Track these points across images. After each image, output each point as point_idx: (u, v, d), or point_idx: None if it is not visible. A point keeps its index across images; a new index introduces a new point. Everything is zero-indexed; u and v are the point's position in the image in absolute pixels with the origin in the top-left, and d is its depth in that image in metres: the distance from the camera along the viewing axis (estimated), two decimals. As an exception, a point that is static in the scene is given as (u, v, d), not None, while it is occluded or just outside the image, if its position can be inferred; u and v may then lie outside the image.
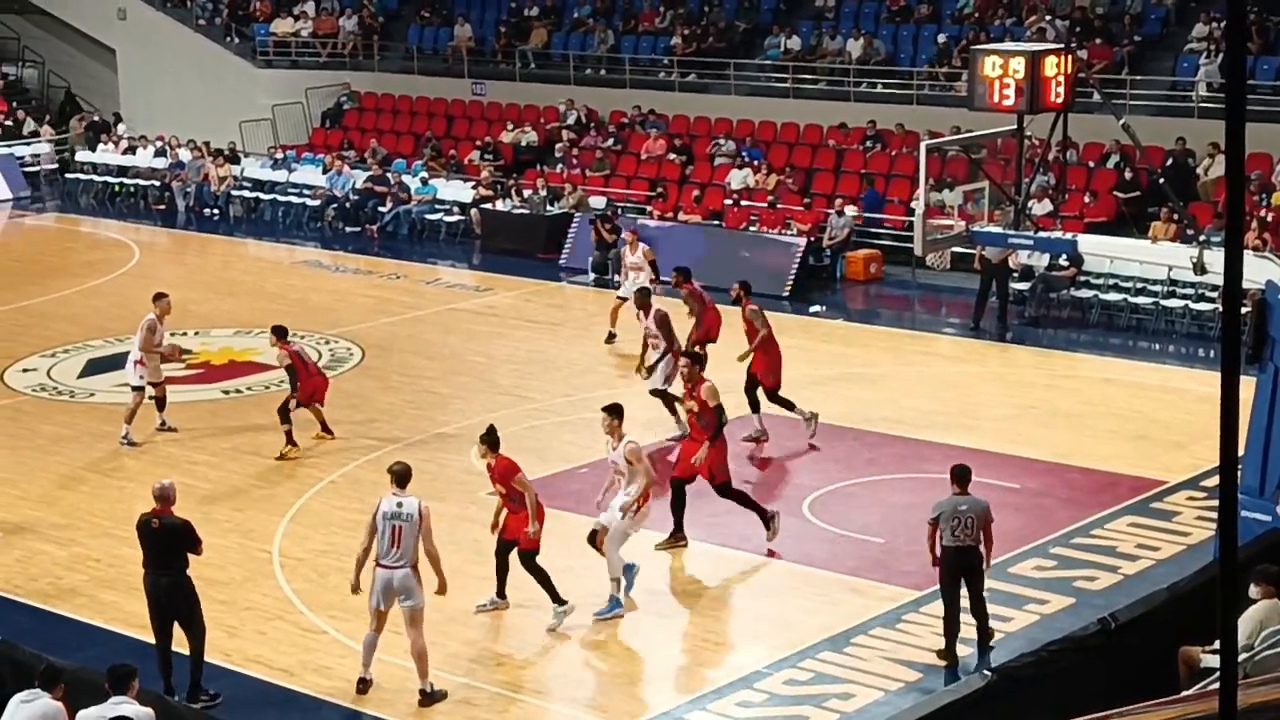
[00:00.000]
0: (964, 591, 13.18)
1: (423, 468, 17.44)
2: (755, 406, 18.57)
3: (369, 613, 12.74)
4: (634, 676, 13.36)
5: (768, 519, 15.58)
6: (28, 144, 37.25)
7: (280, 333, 18.41)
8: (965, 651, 13.18)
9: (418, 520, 12.52)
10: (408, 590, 12.55)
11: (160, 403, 19.11)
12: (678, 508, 15.59)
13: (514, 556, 13.95)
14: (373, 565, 12.70)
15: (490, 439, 13.84)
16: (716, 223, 27.77)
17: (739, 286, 18.98)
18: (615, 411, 14.39)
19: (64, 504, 17.16)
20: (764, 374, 18.52)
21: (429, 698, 12.65)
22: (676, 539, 15.65)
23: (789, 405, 18.57)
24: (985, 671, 11.82)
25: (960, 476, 13.24)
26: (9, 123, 37.96)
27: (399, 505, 12.62)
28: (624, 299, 22.23)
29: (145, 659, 12.07)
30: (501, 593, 14.22)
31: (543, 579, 13.79)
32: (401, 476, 12.83)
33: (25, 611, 14.56)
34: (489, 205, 30.03)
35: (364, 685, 12.82)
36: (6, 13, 41.77)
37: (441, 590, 12.91)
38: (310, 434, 18.61)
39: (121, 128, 36.86)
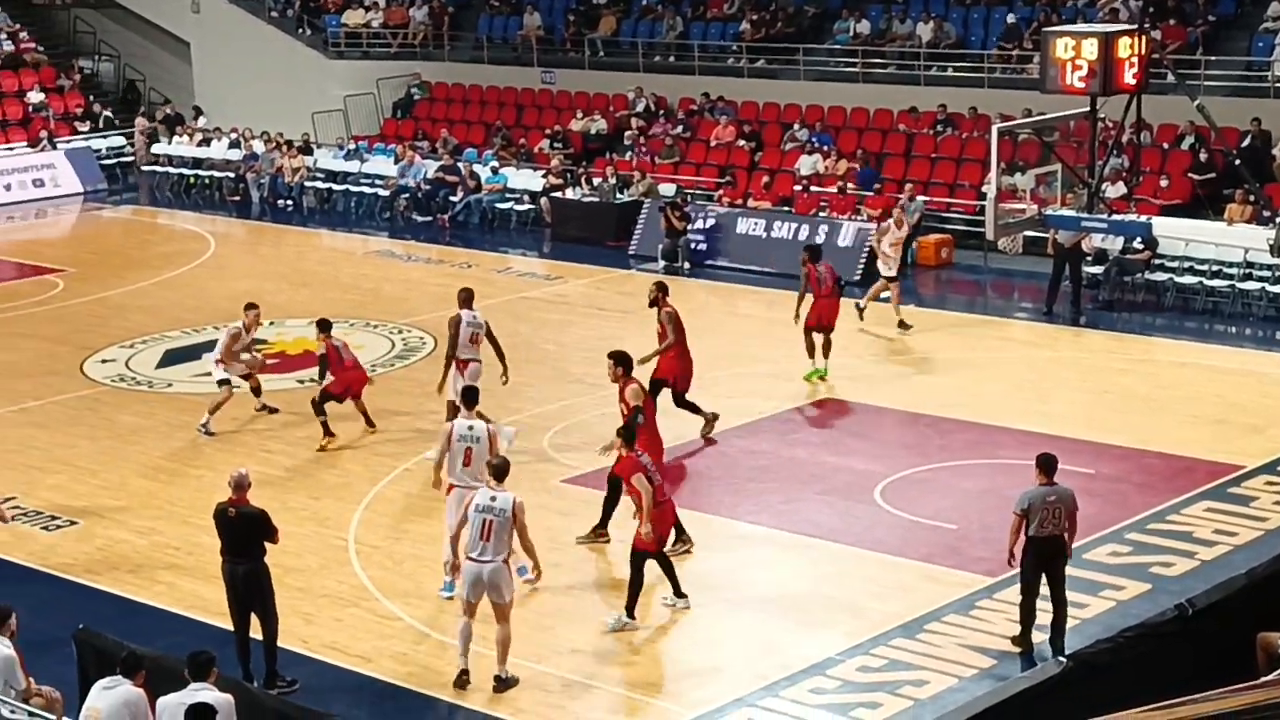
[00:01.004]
0: (1042, 578, 13.08)
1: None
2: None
3: (460, 604, 12.79)
4: (706, 663, 13.37)
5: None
6: (104, 137, 37.72)
7: (324, 326, 18.66)
8: (1040, 638, 13.11)
9: (510, 517, 12.56)
10: (496, 586, 12.59)
11: (256, 391, 19.63)
12: (609, 504, 15.29)
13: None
14: (464, 558, 12.81)
15: (625, 433, 14.08)
16: (786, 209, 27.70)
17: (655, 287, 18.10)
18: (465, 395, 15.00)
19: (143, 493, 17.38)
20: (675, 379, 17.99)
21: (503, 684, 12.73)
22: (599, 534, 15.42)
23: (695, 409, 18.14)
24: (1061, 658, 11.78)
25: (1047, 466, 13.01)
26: (106, 114, 38.42)
27: (492, 499, 12.63)
28: (893, 279, 22.65)
29: (224, 646, 12.26)
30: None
31: (633, 584, 13.67)
32: (499, 470, 12.87)
33: (106, 599, 14.76)
34: (559, 194, 30.12)
35: (464, 677, 12.74)
36: (83, 7, 42.31)
37: (536, 575, 13.55)
38: (357, 428, 18.76)
39: (202, 120, 37.25)
